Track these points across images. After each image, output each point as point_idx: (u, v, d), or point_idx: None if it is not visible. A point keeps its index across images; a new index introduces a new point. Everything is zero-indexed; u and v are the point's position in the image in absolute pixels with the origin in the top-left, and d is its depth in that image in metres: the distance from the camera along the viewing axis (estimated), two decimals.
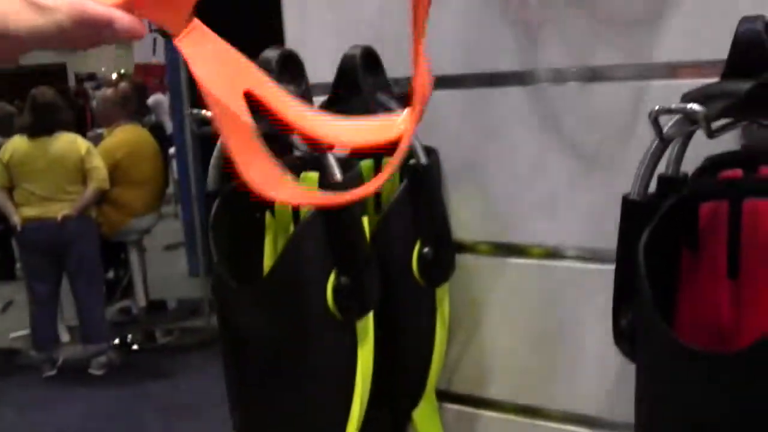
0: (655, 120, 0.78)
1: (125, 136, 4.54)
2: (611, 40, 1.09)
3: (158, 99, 7.88)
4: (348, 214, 1.06)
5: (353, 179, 1.07)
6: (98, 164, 4.15)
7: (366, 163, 1.24)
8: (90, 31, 0.51)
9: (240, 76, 0.58)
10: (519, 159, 1.19)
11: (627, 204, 0.88)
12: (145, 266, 4.93)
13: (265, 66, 1.01)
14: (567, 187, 1.16)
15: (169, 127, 6.95)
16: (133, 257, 4.80)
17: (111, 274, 5.10)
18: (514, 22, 1.15)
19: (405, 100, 1.26)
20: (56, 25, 0.50)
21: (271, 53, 1.02)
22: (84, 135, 4.72)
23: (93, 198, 4.15)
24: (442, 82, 1.14)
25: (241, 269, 1.16)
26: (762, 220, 0.90)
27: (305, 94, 1.06)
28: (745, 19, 0.90)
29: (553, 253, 1.20)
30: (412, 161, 1.17)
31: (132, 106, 4.81)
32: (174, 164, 6.04)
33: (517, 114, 1.18)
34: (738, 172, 0.98)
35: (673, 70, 1.07)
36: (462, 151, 1.22)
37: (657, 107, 0.78)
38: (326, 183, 1.05)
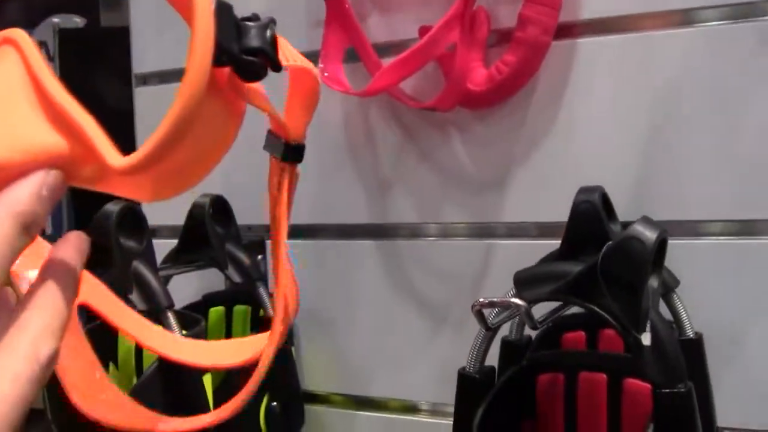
0: (478, 312, 0.78)
1: None
2: (460, 201, 1.10)
3: None
4: (188, 371, 1.02)
5: (197, 338, 1.03)
6: None
7: (216, 310, 1.21)
8: None
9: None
10: (370, 312, 1.18)
11: (462, 379, 0.86)
12: None
13: (105, 220, 0.98)
14: (418, 341, 1.15)
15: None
16: None
17: None
18: (367, 180, 1.16)
19: (255, 249, 1.24)
20: None
21: (111, 207, 0.98)
22: None
23: None
24: (294, 233, 1.14)
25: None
26: (596, 391, 0.91)
27: (147, 250, 1.03)
28: (582, 190, 0.90)
29: (405, 408, 1.18)
30: (262, 313, 1.15)
31: None
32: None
33: (368, 267, 1.17)
34: (581, 335, 0.99)
35: (517, 230, 1.09)
36: (313, 302, 1.20)
37: (480, 300, 0.78)
38: None
